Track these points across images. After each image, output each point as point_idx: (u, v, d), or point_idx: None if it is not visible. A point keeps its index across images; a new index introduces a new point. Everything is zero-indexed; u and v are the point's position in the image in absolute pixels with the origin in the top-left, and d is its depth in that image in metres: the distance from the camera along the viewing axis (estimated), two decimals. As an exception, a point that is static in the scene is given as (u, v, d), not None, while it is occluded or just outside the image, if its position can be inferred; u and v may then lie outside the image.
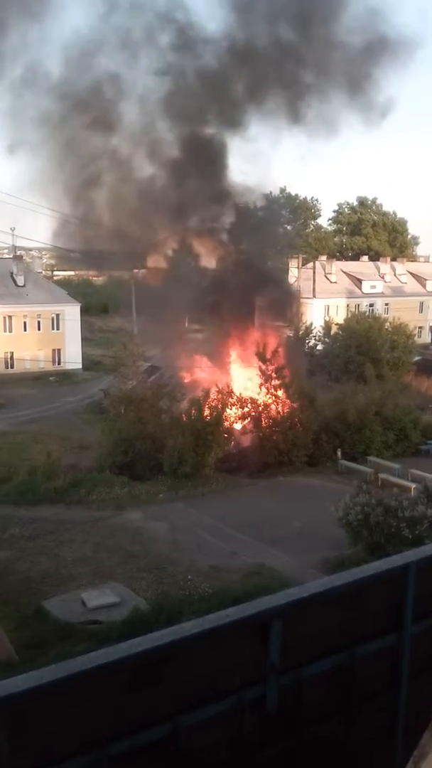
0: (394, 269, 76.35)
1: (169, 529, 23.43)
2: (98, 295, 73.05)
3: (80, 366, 55.75)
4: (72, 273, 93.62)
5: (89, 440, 32.64)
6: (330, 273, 69.29)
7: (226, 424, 30.27)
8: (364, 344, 47.44)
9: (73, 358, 55.63)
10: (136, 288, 44.08)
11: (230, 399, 31.03)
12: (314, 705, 3.81)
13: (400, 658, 4.17)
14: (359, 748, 4.06)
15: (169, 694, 3.25)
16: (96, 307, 69.97)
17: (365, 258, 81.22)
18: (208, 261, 38.43)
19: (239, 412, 31.40)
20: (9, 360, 54.55)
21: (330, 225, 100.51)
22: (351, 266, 75.62)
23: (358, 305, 67.21)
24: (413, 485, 25.15)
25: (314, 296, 62.20)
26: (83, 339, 58.07)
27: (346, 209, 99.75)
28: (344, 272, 71.98)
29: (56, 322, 56.76)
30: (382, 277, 74.13)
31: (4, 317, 54.90)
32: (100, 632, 15.55)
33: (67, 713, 2.95)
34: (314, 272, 63.86)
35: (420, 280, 77.61)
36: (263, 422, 31.01)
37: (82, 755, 2.99)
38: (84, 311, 60.23)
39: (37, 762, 2.92)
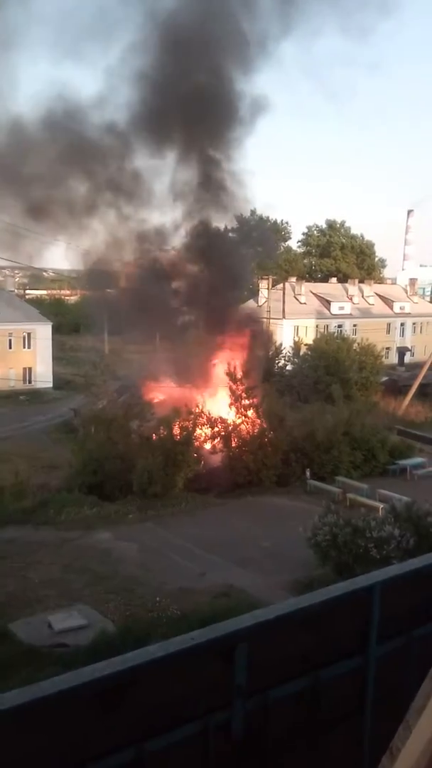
0: (362, 291, 77.35)
1: (139, 549, 23.24)
2: (70, 315, 72.91)
3: (51, 385, 55.37)
4: (44, 292, 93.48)
5: (59, 460, 32.33)
6: (299, 294, 69.97)
7: (196, 443, 30.23)
8: (332, 365, 47.83)
9: (43, 377, 55.25)
10: (107, 308, 44.00)
11: (200, 419, 31.03)
12: (280, 729, 3.80)
13: (365, 680, 4.19)
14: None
15: (133, 719, 3.23)
16: (68, 326, 69.82)
17: (334, 280, 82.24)
18: (180, 282, 38.57)
19: (209, 432, 31.39)
20: (-22, 378, 53.98)
21: (299, 247, 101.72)
22: (320, 288, 76.43)
23: (327, 326, 67.87)
24: (381, 505, 25.30)
25: (284, 317, 62.68)
26: (54, 358, 57.77)
27: (315, 232, 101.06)
28: (313, 293, 72.71)
29: (27, 340, 56.43)
30: (351, 299, 75.02)
31: (-25, 335, 54.44)
32: (66, 655, 15.32)
33: (29, 739, 2.92)
34: (284, 293, 64.39)
35: (387, 301, 78.70)
36: (233, 442, 31.05)
37: None
38: (56, 330, 60.03)
39: None
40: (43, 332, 56.91)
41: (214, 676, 3.54)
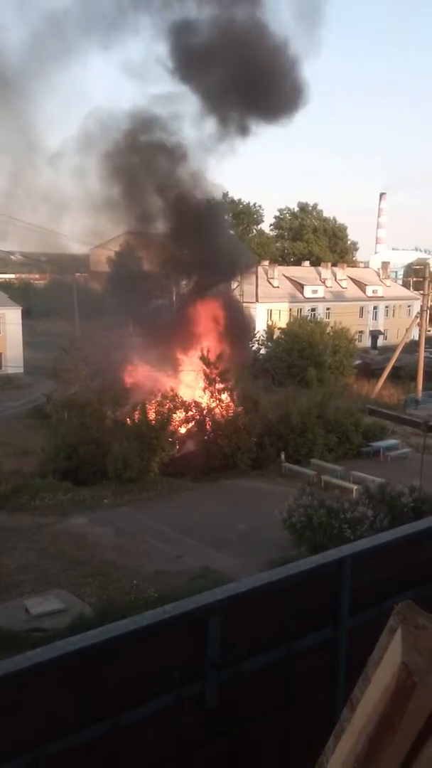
0: (334, 274, 77.57)
1: (114, 534, 23.25)
2: (40, 299, 72.18)
3: (22, 370, 54.86)
4: (12, 276, 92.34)
5: (32, 446, 32.09)
6: (272, 278, 69.99)
7: (171, 427, 30.22)
8: (306, 348, 48.02)
9: (14, 362, 54.75)
10: (78, 292, 43.59)
11: (174, 403, 31.00)
12: (253, 700, 3.85)
13: (337, 651, 4.25)
14: (298, 743, 4.12)
15: (107, 691, 3.26)
16: (38, 310, 69.12)
17: (307, 263, 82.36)
18: (151, 265, 38.32)
19: (183, 416, 31.39)
20: None
21: (272, 230, 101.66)
22: (293, 271, 76.53)
23: (300, 310, 68.06)
24: (355, 487, 25.59)
25: (257, 301, 62.69)
26: (25, 343, 57.17)
27: (287, 215, 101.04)
28: (286, 277, 72.79)
29: (-4, 325, 55.84)
30: (324, 282, 75.23)
31: None
32: (43, 640, 15.30)
33: (2, 713, 2.93)
34: (257, 277, 64.26)
35: (360, 285, 79.08)
36: (207, 426, 31.09)
37: (19, 756, 2.97)
38: (25, 315, 59.38)
39: None
40: (13, 317, 56.36)
41: (187, 649, 3.57)
